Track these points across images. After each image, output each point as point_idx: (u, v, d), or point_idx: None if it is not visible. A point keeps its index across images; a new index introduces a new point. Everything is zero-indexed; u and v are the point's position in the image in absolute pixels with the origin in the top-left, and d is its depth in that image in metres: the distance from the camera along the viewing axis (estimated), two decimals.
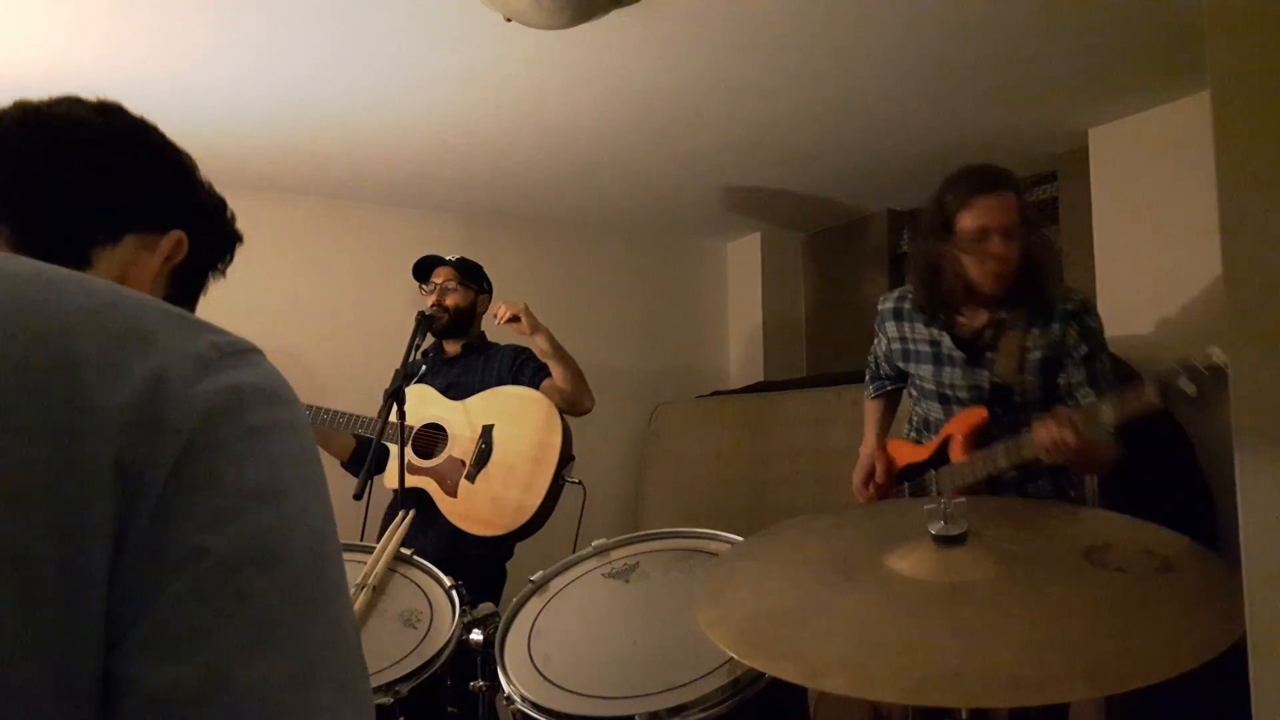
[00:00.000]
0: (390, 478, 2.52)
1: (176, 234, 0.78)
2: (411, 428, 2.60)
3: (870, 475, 2.13)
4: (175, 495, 0.48)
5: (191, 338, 0.53)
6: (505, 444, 2.59)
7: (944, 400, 2.05)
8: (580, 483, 2.62)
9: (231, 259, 0.87)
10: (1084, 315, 1.88)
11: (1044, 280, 1.91)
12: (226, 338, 0.55)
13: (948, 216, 1.91)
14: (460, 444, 2.62)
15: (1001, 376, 1.93)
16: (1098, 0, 2.13)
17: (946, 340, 2.01)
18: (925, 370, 2.06)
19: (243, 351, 0.55)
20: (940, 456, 2.01)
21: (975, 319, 1.98)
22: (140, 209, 0.76)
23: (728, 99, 2.67)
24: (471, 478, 2.57)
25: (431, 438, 2.65)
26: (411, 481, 2.54)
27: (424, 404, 2.66)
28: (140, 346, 0.51)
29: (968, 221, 1.88)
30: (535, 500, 2.52)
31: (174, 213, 0.79)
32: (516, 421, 2.61)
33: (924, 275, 1.99)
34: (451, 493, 2.56)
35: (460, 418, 2.63)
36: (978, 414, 1.95)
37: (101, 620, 0.45)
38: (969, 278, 1.90)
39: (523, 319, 2.59)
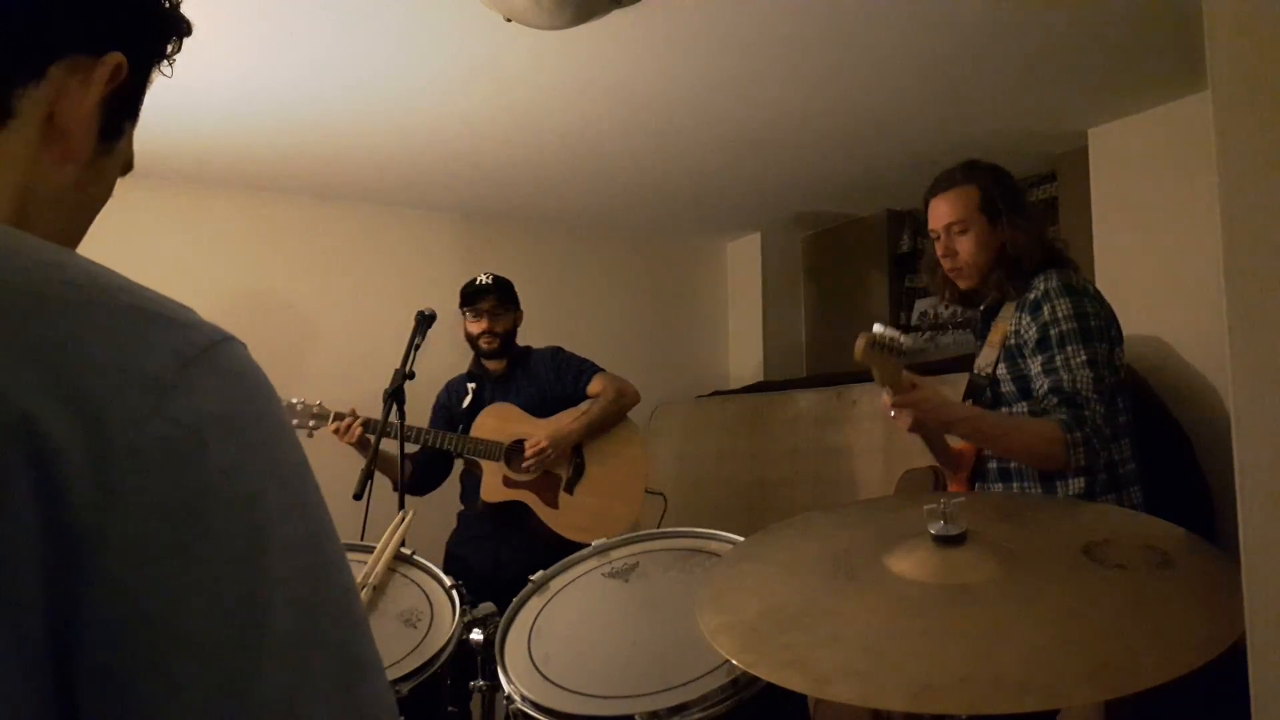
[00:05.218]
0: (489, 491, 2.73)
1: (114, 58, 0.56)
2: (501, 444, 2.77)
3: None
4: (136, 582, 0.37)
5: (143, 346, 0.40)
6: (596, 459, 2.84)
7: None
8: (662, 494, 2.85)
9: (178, 50, 0.66)
10: (1041, 302, 1.78)
11: (1016, 267, 1.85)
12: (187, 333, 0.42)
13: (923, 221, 2.01)
14: (554, 460, 2.79)
15: (980, 368, 1.92)
16: (1098, 0, 2.13)
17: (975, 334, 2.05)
18: None
19: (209, 349, 0.42)
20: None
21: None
22: (68, 23, 0.53)
23: (727, 99, 2.67)
24: (570, 490, 2.78)
25: (521, 453, 2.77)
26: (511, 495, 2.75)
27: (508, 421, 2.81)
28: (66, 374, 0.37)
29: (930, 226, 1.95)
30: (634, 510, 2.80)
31: (111, 25, 0.56)
32: (603, 437, 2.86)
33: (930, 272, 2.05)
34: (553, 504, 2.77)
35: (549, 435, 2.76)
36: None
37: None
38: (945, 275, 1.96)
39: (550, 453, 2.72)
